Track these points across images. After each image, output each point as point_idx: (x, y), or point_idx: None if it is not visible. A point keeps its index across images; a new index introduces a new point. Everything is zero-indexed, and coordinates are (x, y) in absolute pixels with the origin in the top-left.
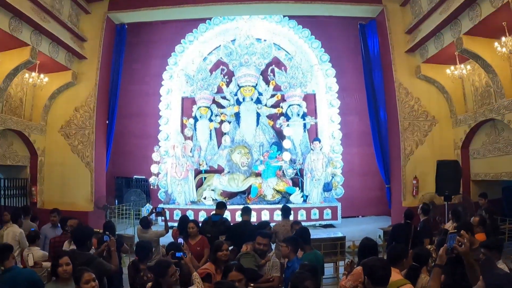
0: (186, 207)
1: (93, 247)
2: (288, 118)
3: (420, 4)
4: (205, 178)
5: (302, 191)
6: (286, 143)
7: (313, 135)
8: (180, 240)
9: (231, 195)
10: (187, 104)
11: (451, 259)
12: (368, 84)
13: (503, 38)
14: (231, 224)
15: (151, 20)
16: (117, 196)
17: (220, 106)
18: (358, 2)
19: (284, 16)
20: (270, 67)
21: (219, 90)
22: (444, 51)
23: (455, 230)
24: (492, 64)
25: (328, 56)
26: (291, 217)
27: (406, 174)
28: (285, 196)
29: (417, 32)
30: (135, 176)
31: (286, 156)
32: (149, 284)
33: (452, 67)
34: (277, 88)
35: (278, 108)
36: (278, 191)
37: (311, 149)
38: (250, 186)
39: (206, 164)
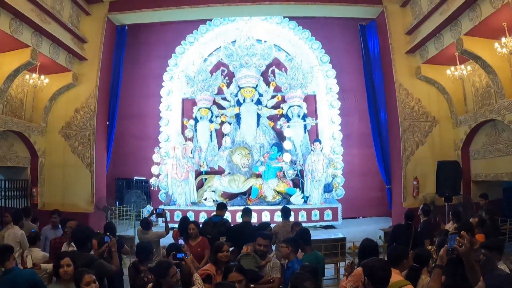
0: (187, 208)
1: (93, 248)
2: (288, 119)
3: (420, 5)
4: (205, 179)
5: (302, 192)
6: (286, 144)
7: (314, 136)
8: (181, 241)
9: (232, 196)
10: (188, 105)
11: (451, 259)
12: (369, 85)
13: (503, 39)
14: (232, 225)
15: (152, 21)
16: (117, 197)
17: (220, 107)
18: (358, 3)
19: (284, 17)
20: (271, 68)
21: (220, 91)
22: (444, 51)
23: (456, 231)
24: (492, 64)
25: (329, 57)
26: (292, 218)
27: (406, 175)
28: (285, 197)
29: (417, 33)
30: (135, 177)
31: (287, 157)
32: (150, 285)
33: (453, 68)
34: (277, 89)
35: (278, 109)
36: (278, 192)
37: (312, 150)
38: (251, 187)
39: (207, 165)
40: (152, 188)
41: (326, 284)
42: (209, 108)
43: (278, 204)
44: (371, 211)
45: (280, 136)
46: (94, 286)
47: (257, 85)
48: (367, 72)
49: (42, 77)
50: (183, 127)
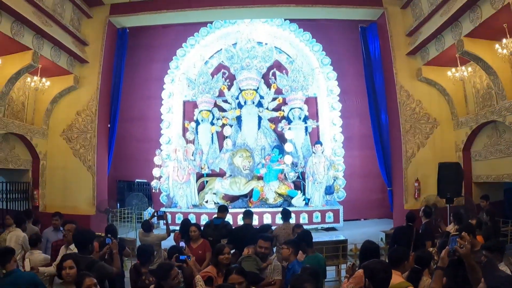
0: (188, 211)
1: (95, 251)
2: (289, 121)
3: (421, 7)
4: (207, 181)
5: (304, 194)
6: (287, 147)
7: (315, 138)
8: (182, 244)
9: (233, 199)
10: (189, 107)
11: (453, 261)
12: (369, 87)
13: (504, 40)
14: (233, 227)
15: (153, 24)
16: (119, 199)
17: (221, 109)
18: (358, 5)
19: (285, 20)
20: (272, 71)
21: (221, 94)
22: (445, 53)
23: (457, 233)
24: (493, 66)
25: (329, 59)
26: (293, 220)
27: (407, 176)
28: (287, 200)
29: (418, 34)
30: (137, 180)
31: (288, 159)
32: (152, 286)
33: (453, 69)
34: (278, 92)
35: (279, 112)
36: (280, 195)
37: (313, 152)
38: (252, 190)
39: (208, 167)
40: (153, 191)
41: (328, 286)
42: (210, 111)
43: (280, 206)
44: (373, 213)
45: (281, 138)
46: None
47: (258, 88)
48: (368, 74)
49: (44, 79)
50: (184, 130)
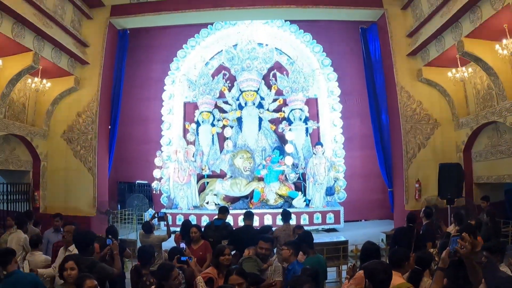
0: (189, 212)
1: (95, 252)
2: (290, 122)
3: (421, 8)
4: (207, 183)
5: (304, 195)
6: (288, 148)
7: (315, 139)
8: (183, 245)
9: (234, 200)
10: (189, 109)
11: (453, 262)
12: (370, 87)
13: (504, 40)
14: (234, 228)
15: (153, 25)
16: (119, 201)
17: (222, 111)
18: (359, 6)
19: (285, 21)
20: (272, 72)
21: (221, 95)
22: (445, 54)
23: (458, 233)
24: (493, 66)
25: (330, 60)
26: (294, 222)
27: (408, 177)
28: (287, 201)
29: (418, 35)
30: (137, 181)
31: (289, 160)
32: (153, 287)
33: (454, 70)
34: (279, 93)
35: (280, 113)
36: (280, 196)
37: (314, 153)
38: (253, 191)
39: (209, 169)
40: (154, 192)
41: (329, 287)
42: (210, 112)
43: (280, 207)
44: (373, 214)
45: (281, 140)
46: None
47: (258, 89)
48: (368, 75)
49: (44, 81)
50: (185, 131)
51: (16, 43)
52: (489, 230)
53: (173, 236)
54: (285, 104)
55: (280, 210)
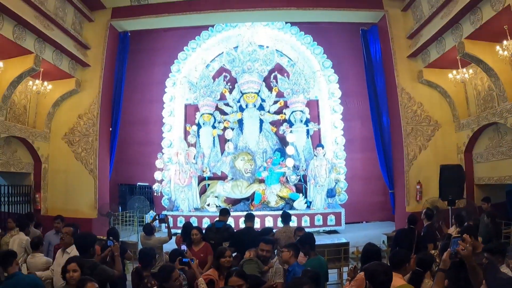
0: (190, 214)
1: (96, 254)
2: (291, 124)
3: (422, 9)
4: (208, 185)
5: (305, 197)
6: (289, 150)
7: (316, 141)
8: (184, 247)
9: (235, 202)
10: (190, 111)
11: (454, 263)
12: (371, 89)
13: (505, 42)
14: (235, 230)
15: (154, 27)
16: (120, 203)
17: (223, 113)
18: (359, 7)
19: (286, 23)
20: (273, 74)
21: (222, 97)
22: (446, 55)
23: (459, 235)
24: (494, 67)
25: (330, 62)
26: (295, 223)
27: (409, 179)
28: (288, 203)
29: (419, 37)
30: (138, 183)
31: (290, 162)
32: None
33: (454, 72)
34: (280, 95)
35: (281, 115)
36: (281, 198)
37: (315, 155)
38: (254, 193)
39: (210, 171)
40: (155, 194)
41: None
42: (211, 114)
43: (281, 209)
44: (374, 216)
45: (282, 142)
46: None
47: (259, 91)
48: (369, 77)
49: (45, 83)
50: (186, 133)
51: (17, 46)
52: (489, 232)
53: (174, 238)
54: (286, 106)
55: (281, 212)
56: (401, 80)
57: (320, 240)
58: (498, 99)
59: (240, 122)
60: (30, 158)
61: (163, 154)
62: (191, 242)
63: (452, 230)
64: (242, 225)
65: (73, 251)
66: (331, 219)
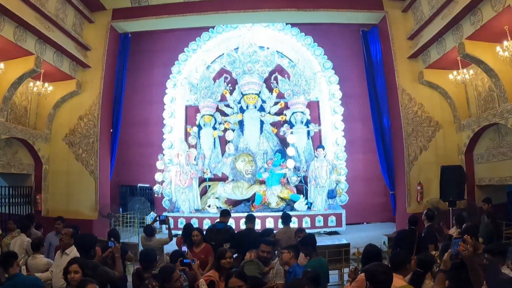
0: (191, 215)
1: (97, 255)
2: (291, 125)
3: (422, 10)
4: (209, 186)
5: (306, 198)
6: (290, 151)
7: (317, 142)
8: (184, 248)
9: (236, 203)
10: (191, 112)
11: (455, 264)
12: (371, 90)
13: (505, 42)
14: (235, 232)
15: (155, 29)
16: (121, 204)
17: (223, 114)
18: (360, 9)
19: (286, 24)
20: (273, 75)
21: (223, 98)
22: (446, 56)
23: (459, 236)
24: (494, 68)
25: (331, 63)
26: (296, 225)
27: (410, 180)
28: (289, 204)
29: (419, 37)
30: (139, 185)
31: (290, 163)
32: None
33: (455, 72)
34: (280, 96)
35: (281, 116)
36: (282, 199)
37: (315, 156)
38: (254, 194)
39: (210, 172)
40: (155, 195)
41: None
42: (212, 115)
43: (282, 210)
44: (375, 217)
45: (283, 143)
46: None
47: (260, 92)
48: (369, 78)
49: (46, 84)
50: (187, 134)
51: (18, 47)
52: (490, 232)
53: (174, 239)
54: (286, 107)
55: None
56: (401, 81)
57: (321, 241)
58: (499, 100)
59: (241, 123)
60: (31, 159)
61: (163, 155)
62: (192, 243)
63: (453, 231)
64: (242, 226)
65: (72, 252)
66: (332, 220)
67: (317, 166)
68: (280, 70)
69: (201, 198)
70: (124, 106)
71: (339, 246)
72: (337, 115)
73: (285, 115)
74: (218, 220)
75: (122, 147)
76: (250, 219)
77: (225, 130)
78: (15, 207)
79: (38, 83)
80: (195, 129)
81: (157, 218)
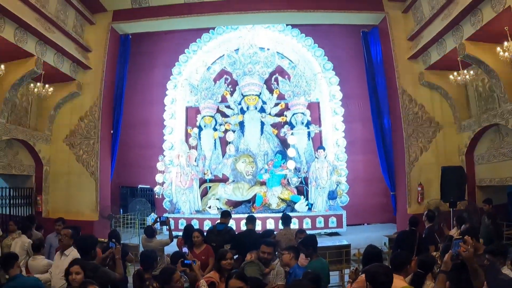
0: (191, 216)
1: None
2: (292, 126)
3: (422, 11)
4: (209, 187)
5: (307, 199)
6: (290, 152)
7: (318, 143)
8: (185, 249)
9: (236, 204)
10: (191, 113)
11: (456, 265)
12: (372, 91)
13: (505, 43)
14: (236, 233)
15: (155, 30)
16: (122, 205)
17: (224, 115)
18: (360, 10)
19: (287, 25)
20: (274, 76)
21: (223, 99)
22: (446, 57)
23: (460, 236)
24: (495, 69)
25: (331, 64)
26: (296, 226)
27: (411, 181)
28: (290, 205)
29: (420, 38)
30: (140, 186)
31: (291, 164)
32: None
33: (455, 73)
34: (281, 97)
35: (282, 117)
36: (283, 200)
37: (316, 157)
38: (255, 195)
39: (211, 173)
40: (156, 196)
41: None
42: (213, 116)
43: (283, 211)
44: (376, 218)
45: (284, 144)
46: None
47: (260, 93)
48: (370, 79)
49: (47, 86)
50: (187, 135)
51: (19, 48)
52: (491, 233)
53: (175, 240)
54: (287, 108)
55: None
56: (402, 82)
57: (321, 242)
58: (499, 101)
59: (241, 124)
60: (32, 161)
61: (164, 156)
62: (193, 244)
63: (454, 232)
64: (243, 227)
65: (71, 253)
66: (333, 221)
67: (317, 167)
68: (280, 71)
69: (201, 199)
70: (125, 107)
71: (340, 247)
72: (337, 116)
73: (286, 116)
74: (218, 221)
75: (122, 148)
76: (251, 220)
77: (226, 131)
78: (16, 208)
79: (38, 84)
80: (196, 130)
81: (158, 219)
